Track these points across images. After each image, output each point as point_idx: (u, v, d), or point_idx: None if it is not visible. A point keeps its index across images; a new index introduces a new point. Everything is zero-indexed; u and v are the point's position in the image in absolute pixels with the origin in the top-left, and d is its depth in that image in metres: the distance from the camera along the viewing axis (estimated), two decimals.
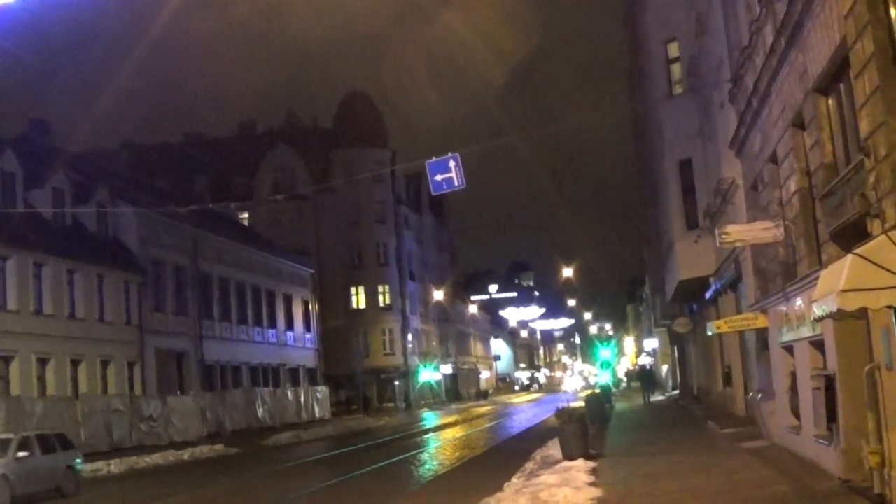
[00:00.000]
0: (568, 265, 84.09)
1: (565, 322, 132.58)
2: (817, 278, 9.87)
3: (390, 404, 66.38)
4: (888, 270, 7.64)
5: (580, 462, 16.22)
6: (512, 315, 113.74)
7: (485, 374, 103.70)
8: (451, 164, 15.73)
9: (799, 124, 12.92)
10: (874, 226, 9.20)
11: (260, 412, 43.04)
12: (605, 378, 63.61)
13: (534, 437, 26.96)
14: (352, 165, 63.10)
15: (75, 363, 34.22)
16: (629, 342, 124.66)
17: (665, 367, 69.28)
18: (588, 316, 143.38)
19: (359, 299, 68.59)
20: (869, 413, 9.61)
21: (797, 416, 14.73)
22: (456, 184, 15.79)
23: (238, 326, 48.64)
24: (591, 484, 13.49)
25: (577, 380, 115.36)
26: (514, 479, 15.56)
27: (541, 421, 36.86)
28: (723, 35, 19.20)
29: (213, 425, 38.24)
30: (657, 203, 38.09)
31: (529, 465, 18.08)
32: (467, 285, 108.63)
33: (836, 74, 10.87)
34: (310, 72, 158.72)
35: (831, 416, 11.98)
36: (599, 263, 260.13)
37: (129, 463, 26.10)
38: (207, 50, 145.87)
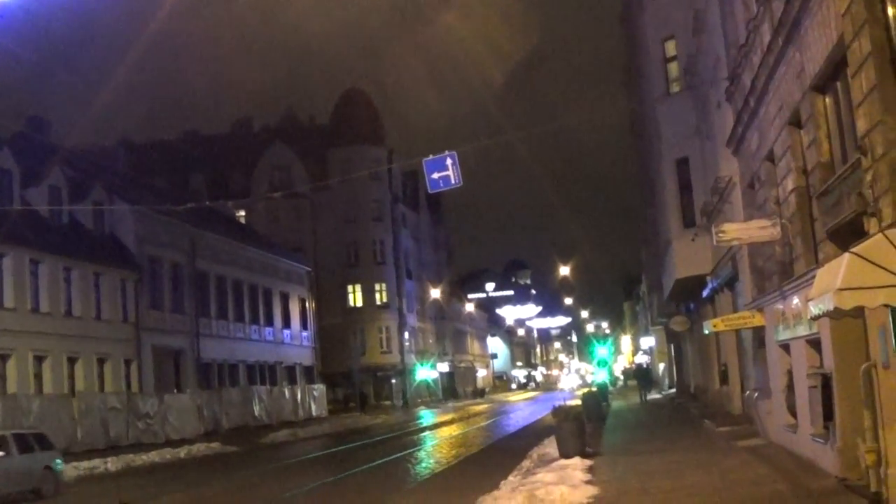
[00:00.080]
0: (565, 263, 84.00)
1: (562, 320, 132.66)
2: (814, 277, 9.86)
3: (387, 402, 66.40)
4: (885, 269, 7.64)
5: (577, 460, 16.23)
6: (509, 313, 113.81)
7: (481, 373, 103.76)
8: (448, 162, 15.70)
9: (796, 123, 12.93)
10: (871, 224, 9.21)
11: (257, 410, 43.02)
12: (601, 376, 63.69)
13: (530, 436, 26.97)
14: (349, 163, 63.13)
15: (72, 361, 34.19)
16: (626, 340, 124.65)
17: (662, 366, 69.30)
18: (585, 314, 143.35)
19: (355, 297, 68.60)
20: (865, 411, 9.61)
21: (794, 414, 14.75)
22: (453, 182, 15.76)
23: (235, 324, 48.61)
24: (588, 482, 13.49)
25: (574, 378, 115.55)
26: (510, 478, 15.57)
27: (537, 419, 36.89)
28: (720, 33, 19.21)
29: (210, 423, 38.23)
30: (655, 202, 38.10)
31: (526, 464, 18.09)
32: (464, 283, 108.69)
33: (834, 73, 10.87)
34: (307, 69, 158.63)
35: (828, 415, 12.00)
36: (597, 262, 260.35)
37: (126, 461, 26.05)
38: (205, 47, 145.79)
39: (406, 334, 71.88)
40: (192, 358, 43.17)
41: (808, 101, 11.87)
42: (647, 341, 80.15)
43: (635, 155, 50.33)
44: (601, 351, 75.63)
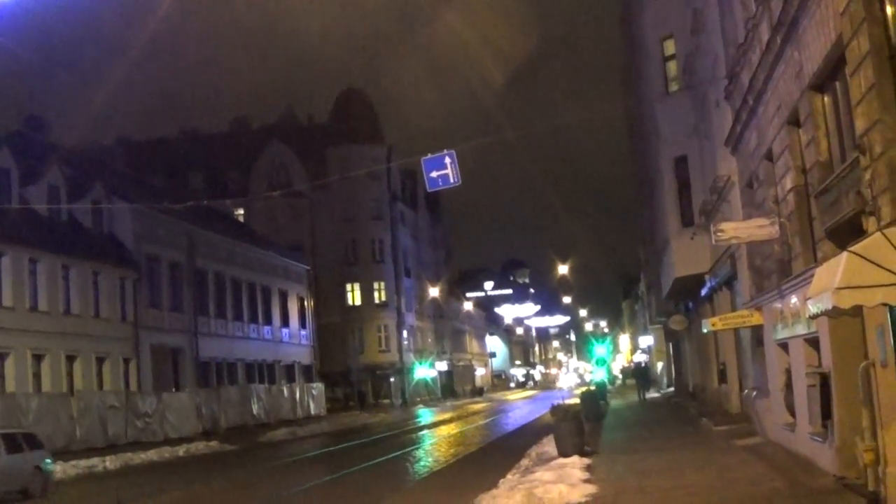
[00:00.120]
0: (563, 262, 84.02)
1: (561, 319, 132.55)
2: (812, 276, 9.87)
3: (386, 401, 66.40)
4: (883, 268, 7.65)
5: (575, 459, 16.24)
6: (507, 312, 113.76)
7: (480, 371, 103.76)
8: (447, 160, 15.71)
9: (794, 122, 12.93)
10: (869, 223, 9.22)
11: (255, 409, 43.02)
12: (600, 375, 63.75)
13: (529, 434, 26.97)
14: (347, 162, 63.07)
15: (70, 359, 34.18)
16: (624, 339, 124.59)
17: (660, 365, 69.28)
18: (583, 313, 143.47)
19: (354, 296, 68.60)
20: (863, 410, 9.62)
21: (792, 413, 14.75)
22: (451, 181, 15.76)
23: (233, 323, 48.60)
24: (586, 480, 13.50)
25: (573, 377, 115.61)
26: (509, 476, 15.57)
27: (536, 418, 36.89)
28: (719, 32, 19.20)
29: (209, 422, 38.21)
30: (653, 201, 38.09)
31: (524, 462, 18.09)
32: (463, 282, 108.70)
33: (832, 72, 10.88)
34: (306, 68, 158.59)
35: (826, 414, 12.00)
36: (595, 261, 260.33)
37: (125, 459, 26.03)
38: (203, 46, 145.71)
39: (405, 333, 71.89)
40: (190, 356, 43.16)
41: (806, 99, 11.88)
42: (646, 340, 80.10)
43: (633, 154, 50.32)
44: (599, 350, 75.69)
